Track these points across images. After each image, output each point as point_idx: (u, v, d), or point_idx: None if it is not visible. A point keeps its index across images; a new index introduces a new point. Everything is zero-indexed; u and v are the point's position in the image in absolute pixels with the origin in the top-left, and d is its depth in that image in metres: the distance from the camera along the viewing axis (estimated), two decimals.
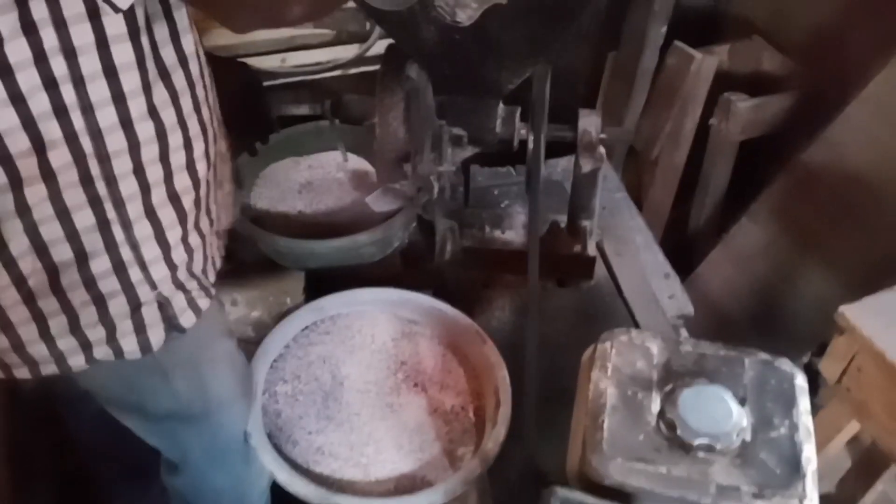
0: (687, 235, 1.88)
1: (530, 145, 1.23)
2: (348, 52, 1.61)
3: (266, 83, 1.55)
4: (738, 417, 0.81)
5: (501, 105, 1.23)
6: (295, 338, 1.22)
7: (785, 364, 0.87)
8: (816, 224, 1.55)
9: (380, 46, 1.60)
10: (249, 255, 1.42)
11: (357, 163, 1.57)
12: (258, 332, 1.28)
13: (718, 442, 0.79)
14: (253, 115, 1.32)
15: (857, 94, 1.50)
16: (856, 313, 1.08)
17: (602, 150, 1.26)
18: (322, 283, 1.34)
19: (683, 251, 1.75)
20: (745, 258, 1.66)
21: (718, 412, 0.81)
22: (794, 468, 0.78)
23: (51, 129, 0.68)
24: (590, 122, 1.23)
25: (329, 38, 1.61)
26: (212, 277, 0.94)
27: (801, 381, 0.86)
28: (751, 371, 0.86)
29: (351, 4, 1.58)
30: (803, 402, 0.84)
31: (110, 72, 0.69)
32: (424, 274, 1.43)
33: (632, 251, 1.51)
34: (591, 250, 1.39)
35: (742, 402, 0.83)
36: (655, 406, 0.84)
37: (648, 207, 1.83)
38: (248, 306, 1.34)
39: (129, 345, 0.83)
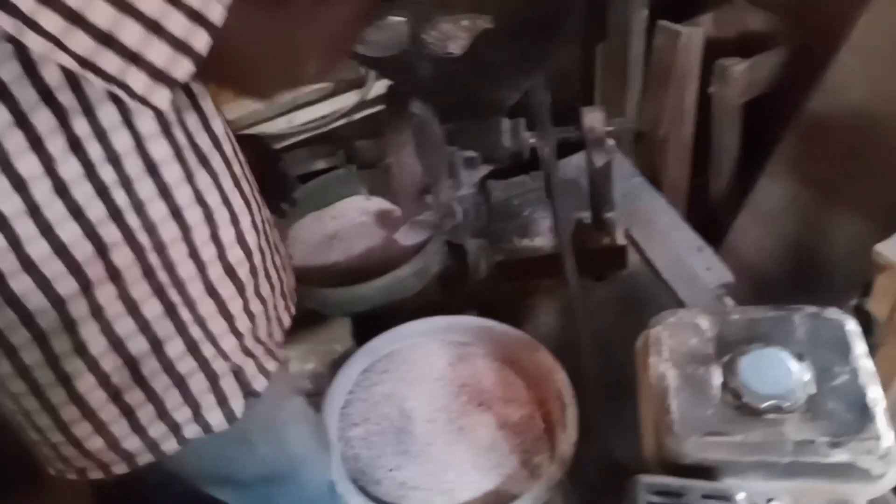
0: (710, 207, 1.89)
1: (541, 154, 1.27)
2: (349, 99, 1.66)
3: (279, 146, 1.60)
4: (800, 373, 0.83)
5: (506, 120, 1.27)
6: (356, 382, 1.26)
7: (833, 313, 0.89)
8: (834, 170, 1.55)
9: (378, 88, 1.65)
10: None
11: (378, 203, 1.62)
12: (316, 384, 1.32)
13: (785, 401, 0.82)
14: (274, 181, 1.36)
15: (846, 37, 1.51)
16: (892, 248, 1.09)
17: (611, 142, 1.30)
18: (368, 324, 1.38)
19: (709, 223, 1.76)
20: (771, 217, 1.67)
21: (779, 372, 0.84)
22: (864, 411, 0.80)
23: (110, 233, 0.72)
24: (593, 119, 1.26)
25: (328, 91, 1.66)
26: (277, 337, 0.97)
27: (851, 326, 0.88)
28: (802, 326, 0.88)
29: None
30: (859, 346, 0.86)
31: (152, 169, 0.73)
32: (464, 296, 1.47)
33: (660, 232, 1.54)
34: (621, 239, 1.42)
35: (800, 357, 0.85)
36: (717, 378, 0.87)
37: (666, 187, 1.84)
38: (301, 361, 1.38)
39: (215, 418, 0.86)
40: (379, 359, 1.29)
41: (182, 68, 0.62)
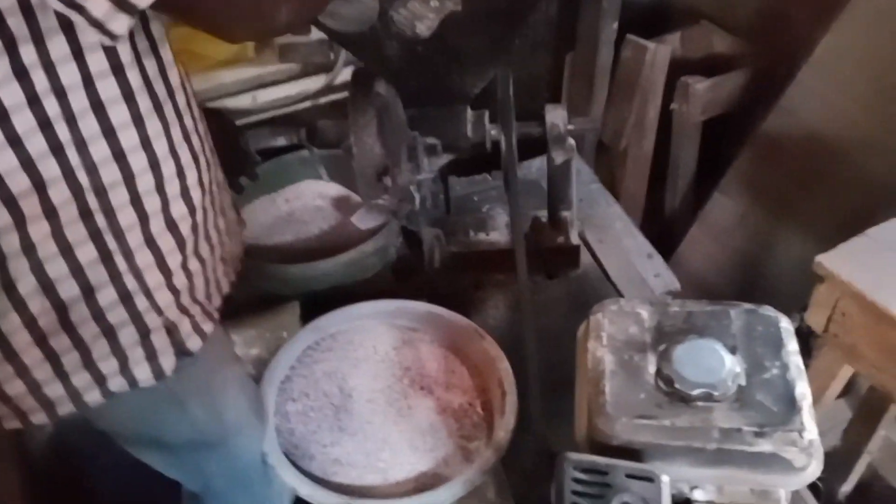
0: (664, 220, 1.93)
1: (503, 145, 1.28)
2: (316, 83, 1.66)
3: (240, 122, 1.59)
4: (731, 365, 0.85)
5: (469, 110, 1.28)
6: (298, 359, 1.25)
7: (769, 311, 0.92)
8: (785, 189, 1.60)
9: (346, 75, 1.65)
10: (240, 294, 1.44)
11: (335, 188, 1.62)
12: (259, 370, 1.29)
13: (715, 390, 0.83)
14: (235, 155, 1.35)
15: (805, 61, 1.56)
16: (832, 260, 1.12)
17: (571, 141, 1.32)
18: (317, 310, 1.36)
19: (662, 235, 1.80)
20: (722, 232, 1.71)
21: (712, 362, 0.85)
22: (790, 404, 0.82)
23: (49, 168, 0.71)
24: (556, 116, 1.28)
25: (296, 72, 1.66)
26: (216, 302, 0.96)
27: (785, 324, 0.90)
28: (737, 321, 0.91)
29: (314, 37, 1.66)
30: (791, 343, 0.88)
31: (98, 107, 0.72)
32: (416, 285, 1.46)
33: (613, 237, 1.56)
34: (575, 239, 1.43)
35: (733, 350, 0.87)
36: (652, 366, 0.88)
37: (624, 198, 1.88)
38: (245, 345, 1.36)
39: (143, 373, 0.85)
40: (324, 337, 1.29)
41: None
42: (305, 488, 1.05)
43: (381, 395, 1.19)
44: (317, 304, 1.38)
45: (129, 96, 0.75)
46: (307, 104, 1.67)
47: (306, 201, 1.61)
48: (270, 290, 1.46)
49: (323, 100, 1.68)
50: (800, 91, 1.57)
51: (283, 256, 1.47)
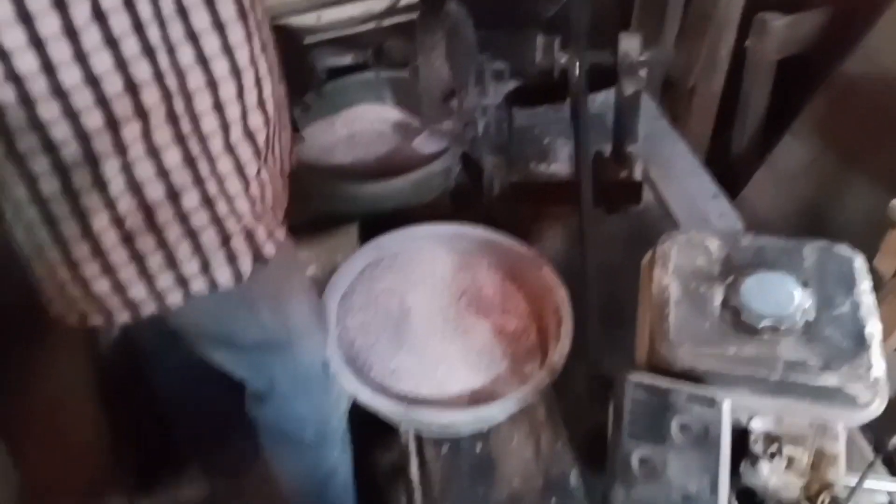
0: (729, 162, 1.88)
1: (571, 74, 1.26)
2: (381, 3, 1.64)
3: (304, 41, 1.59)
4: (801, 299, 0.84)
5: (540, 35, 1.26)
6: (360, 274, 1.27)
7: (844, 249, 0.90)
8: (859, 136, 1.55)
9: None
10: (296, 216, 1.45)
11: (394, 113, 1.61)
12: (316, 289, 1.32)
13: (783, 323, 0.82)
14: (300, 73, 1.36)
15: (888, 4, 1.49)
16: None
17: (643, 72, 1.29)
18: (374, 233, 1.36)
19: (727, 177, 1.76)
20: (789, 177, 1.67)
21: (781, 295, 0.84)
22: (859, 341, 0.81)
23: (142, 70, 0.73)
24: (630, 45, 1.25)
25: None
26: (279, 214, 0.99)
27: (860, 263, 0.88)
28: (810, 257, 0.89)
29: None
30: (864, 283, 0.87)
31: (182, 12, 0.74)
32: (475, 212, 1.47)
33: (678, 175, 1.54)
34: (638, 175, 1.42)
35: (804, 285, 0.86)
36: (718, 297, 0.87)
37: (689, 137, 1.84)
38: None
39: (223, 275, 0.88)
40: (384, 257, 1.30)
41: None
42: (365, 394, 1.08)
43: (439, 315, 1.21)
44: (374, 227, 1.40)
45: (209, 2, 0.76)
46: (371, 25, 1.65)
47: (366, 125, 1.61)
48: (332, 209, 1.47)
49: (387, 21, 1.66)
50: (881, 35, 1.51)
51: (344, 177, 1.49)
